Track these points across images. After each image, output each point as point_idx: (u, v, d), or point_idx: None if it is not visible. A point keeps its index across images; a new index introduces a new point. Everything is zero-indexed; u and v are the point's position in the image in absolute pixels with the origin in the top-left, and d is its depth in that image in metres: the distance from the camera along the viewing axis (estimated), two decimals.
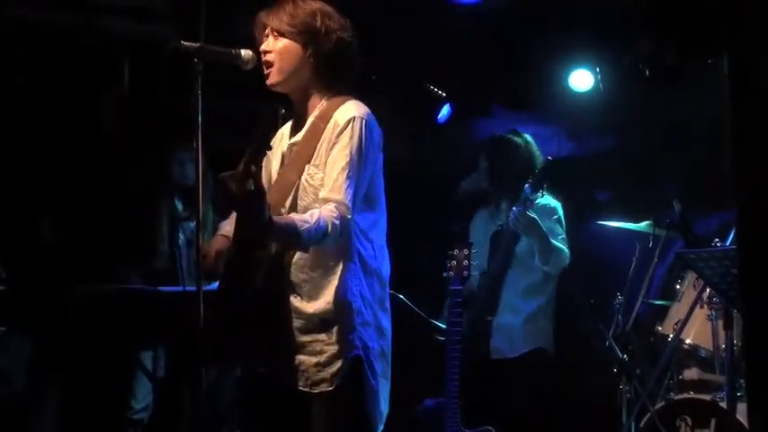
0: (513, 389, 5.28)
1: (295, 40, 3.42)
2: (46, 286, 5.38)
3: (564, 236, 5.37)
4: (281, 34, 3.43)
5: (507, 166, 5.52)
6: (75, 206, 5.76)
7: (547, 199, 5.31)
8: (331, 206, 3.24)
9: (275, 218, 3.18)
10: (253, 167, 3.03)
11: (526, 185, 5.08)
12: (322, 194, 3.29)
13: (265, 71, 3.46)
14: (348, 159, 3.29)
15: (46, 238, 5.80)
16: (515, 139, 5.53)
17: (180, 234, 5.45)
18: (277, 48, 3.43)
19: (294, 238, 3.19)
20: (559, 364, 5.51)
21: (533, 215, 5.14)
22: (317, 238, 3.20)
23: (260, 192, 3.07)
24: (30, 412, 5.44)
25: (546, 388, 5.35)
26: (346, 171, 3.29)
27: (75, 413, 5.51)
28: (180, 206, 5.51)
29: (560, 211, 5.40)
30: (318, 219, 3.20)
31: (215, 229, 3.77)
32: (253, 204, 3.08)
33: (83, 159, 5.80)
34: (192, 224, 5.43)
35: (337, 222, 3.22)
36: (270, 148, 3.16)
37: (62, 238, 5.77)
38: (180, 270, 5.30)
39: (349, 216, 3.26)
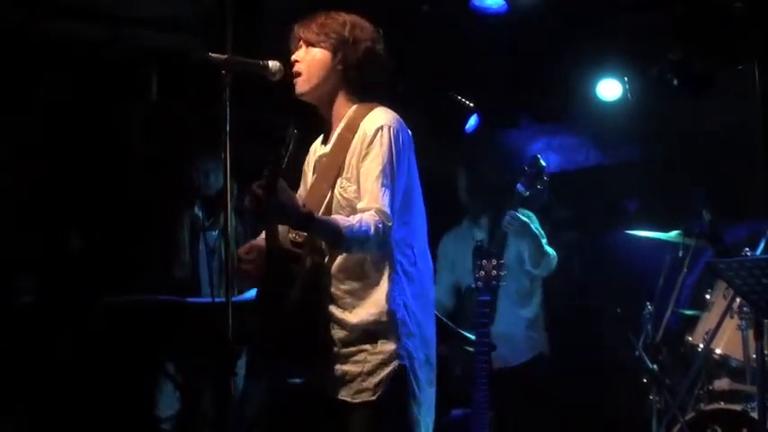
0: (521, 397, 5.31)
1: (324, 49, 3.45)
2: (73, 296, 5.40)
3: (546, 240, 5.46)
4: (311, 44, 3.47)
5: (487, 181, 5.65)
6: (101, 216, 5.79)
7: (522, 212, 5.37)
8: (371, 211, 3.24)
9: (316, 215, 3.21)
10: (276, 173, 3.05)
11: (518, 184, 5.20)
12: (360, 205, 3.29)
13: (294, 80, 3.48)
14: (381, 168, 3.30)
15: (74, 249, 5.83)
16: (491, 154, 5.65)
17: (201, 244, 5.43)
18: (307, 57, 3.47)
19: (336, 235, 3.19)
20: (559, 367, 5.60)
21: (525, 218, 5.26)
22: (359, 238, 3.19)
23: (287, 192, 3.10)
24: None
25: (552, 394, 5.48)
26: (380, 180, 3.29)
27: (100, 424, 5.52)
28: (201, 215, 5.51)
29: (536, 221, 5.47)
30: (361, 219, 3.20)
31: (238, 238, 3.74)
32: (284, 203, 3.10)
33: (107, 170, 5.83)
34: (215, 233, 5.44)
35: (380, 226, 3.22)
36: (283, 166, 3.15)
37: (89, 247, 5.79)
38: (205, 279, 5.30)
39: (389, 223, 3.25)
